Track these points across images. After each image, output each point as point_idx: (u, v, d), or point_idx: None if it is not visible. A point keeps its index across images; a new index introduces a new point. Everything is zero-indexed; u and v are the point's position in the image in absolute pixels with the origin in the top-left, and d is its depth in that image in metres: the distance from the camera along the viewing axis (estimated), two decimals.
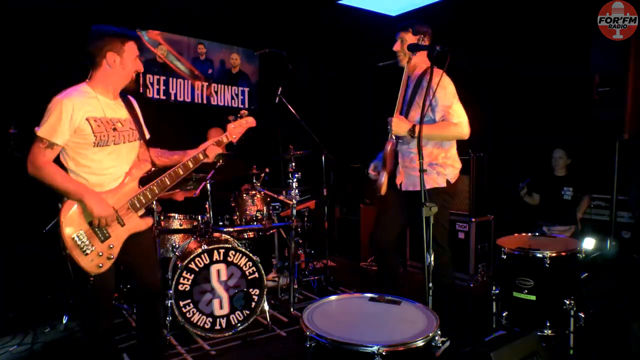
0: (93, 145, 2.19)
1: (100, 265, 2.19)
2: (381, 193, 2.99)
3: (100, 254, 2.19)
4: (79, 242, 2.14)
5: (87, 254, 2.15)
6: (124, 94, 2.42)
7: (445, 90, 2.76)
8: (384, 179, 2.96)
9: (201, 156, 2.50)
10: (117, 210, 2.24)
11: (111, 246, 2.23)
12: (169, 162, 2.51)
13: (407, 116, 2.90)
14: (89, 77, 2.27)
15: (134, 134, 2.39)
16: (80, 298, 2.54)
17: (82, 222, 2.16)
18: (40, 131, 2.09)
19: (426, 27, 2.86)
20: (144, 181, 2.40)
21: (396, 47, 2.91)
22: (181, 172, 2.42)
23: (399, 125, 2.77)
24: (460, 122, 2.76)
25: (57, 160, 2.18)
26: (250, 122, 2.68)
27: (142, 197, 2.33)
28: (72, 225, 2.14)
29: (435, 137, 2.84)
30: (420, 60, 2.95)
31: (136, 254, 2.41)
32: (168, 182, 2.39)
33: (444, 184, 2.89)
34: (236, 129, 2.64)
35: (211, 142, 2.55)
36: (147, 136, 2.55)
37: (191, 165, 2.46)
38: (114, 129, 2.27)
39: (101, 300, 2.29)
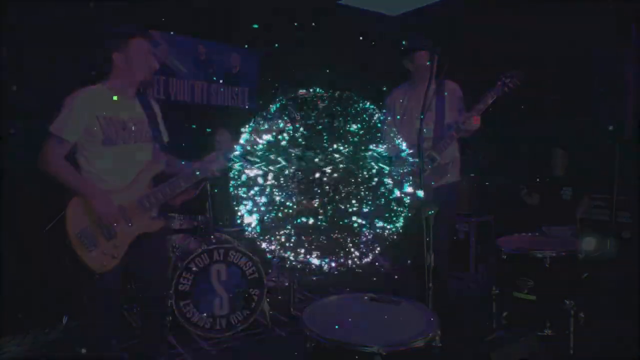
0: (102, 144, 2.18)
1: (105, 263, 2.15)
2: None
3: (105, 252, 2.16)
4: (83, 239, 2.12)
5: (91, 251, 2.13)
6: (144, 95, 2.39)
7: None
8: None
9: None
10: (126, 210, 2.20)
11: (116, 245, 2.19)
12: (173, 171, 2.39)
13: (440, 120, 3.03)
14: (105, 77, 2.26)
15: (146, 135, 2.34)
16: (87, 295, 2.39)
17: (87, 219, 2.14)
18: (52, 127, 2.12)
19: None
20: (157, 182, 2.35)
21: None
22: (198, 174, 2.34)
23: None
24: None
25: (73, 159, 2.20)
26: None
27: (152, 197, 2.28)
28: (77, 222, 2.12)
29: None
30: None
31: (143, 256, 2.35)
32: (182, 184, 2.32)
33: (459, 178, 3.16)
34: None
35: None
36: (165, 139, 2.47)
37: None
38: (124, 129, 2.23)
39: (105, 299, 2.25)
